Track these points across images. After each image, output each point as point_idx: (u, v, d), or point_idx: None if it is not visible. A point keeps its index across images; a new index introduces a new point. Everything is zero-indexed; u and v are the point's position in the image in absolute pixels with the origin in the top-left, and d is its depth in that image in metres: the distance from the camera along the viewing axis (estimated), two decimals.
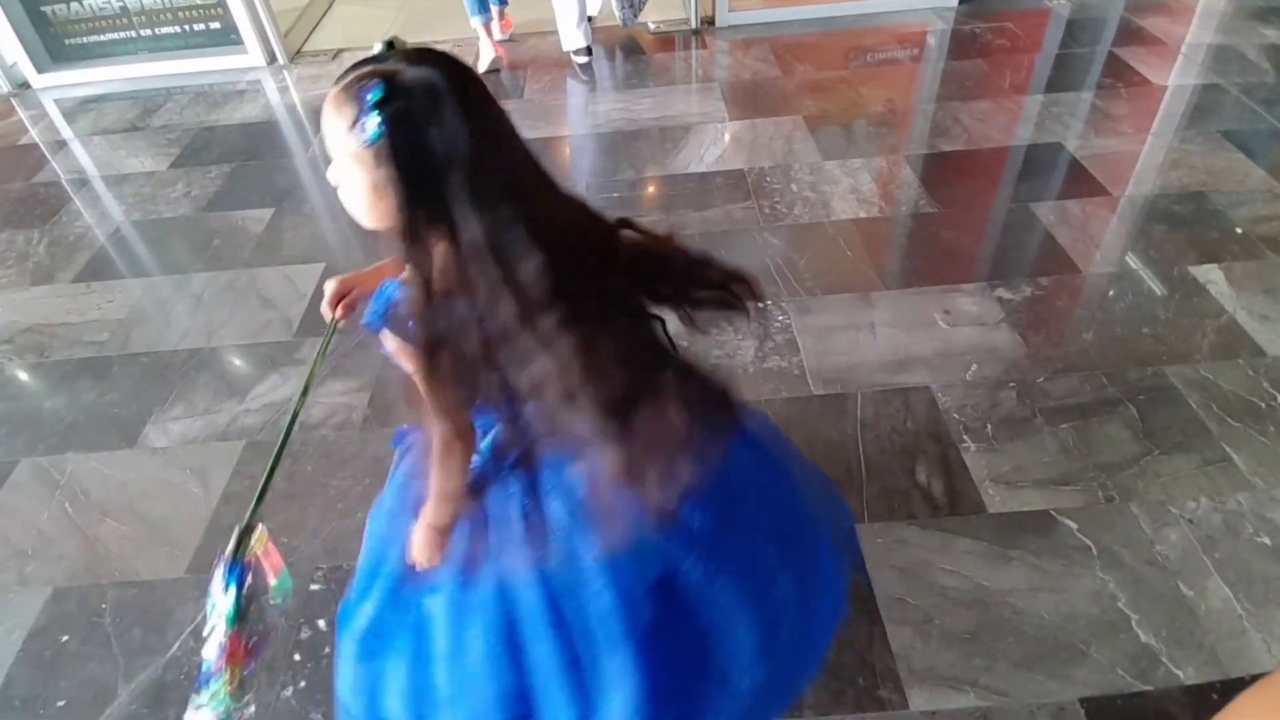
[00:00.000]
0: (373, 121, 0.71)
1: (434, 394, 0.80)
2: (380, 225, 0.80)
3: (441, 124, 0.72)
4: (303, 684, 1.35)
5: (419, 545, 0.93)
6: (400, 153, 0.73)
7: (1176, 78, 3.01)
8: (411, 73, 0.73)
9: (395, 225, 0.76)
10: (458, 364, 0.78)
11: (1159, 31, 3.34)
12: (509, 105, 3.20)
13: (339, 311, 1.07)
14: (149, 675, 1.38)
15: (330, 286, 1.07)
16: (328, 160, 0.80)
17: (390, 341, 0.82)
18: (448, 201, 0.74)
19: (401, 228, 0.76)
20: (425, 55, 0.75)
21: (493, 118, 0.77)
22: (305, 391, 1.09)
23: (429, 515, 0.91)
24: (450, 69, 0.74)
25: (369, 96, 0.71)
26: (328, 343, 1.10)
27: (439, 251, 0.77)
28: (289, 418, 1.04)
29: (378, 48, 0.78)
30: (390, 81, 0.72)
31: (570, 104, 3.29)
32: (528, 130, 2.94)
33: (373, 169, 0.75)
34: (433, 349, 0.78)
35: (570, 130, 3.10)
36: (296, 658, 1.38)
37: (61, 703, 1.35)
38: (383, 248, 0.81)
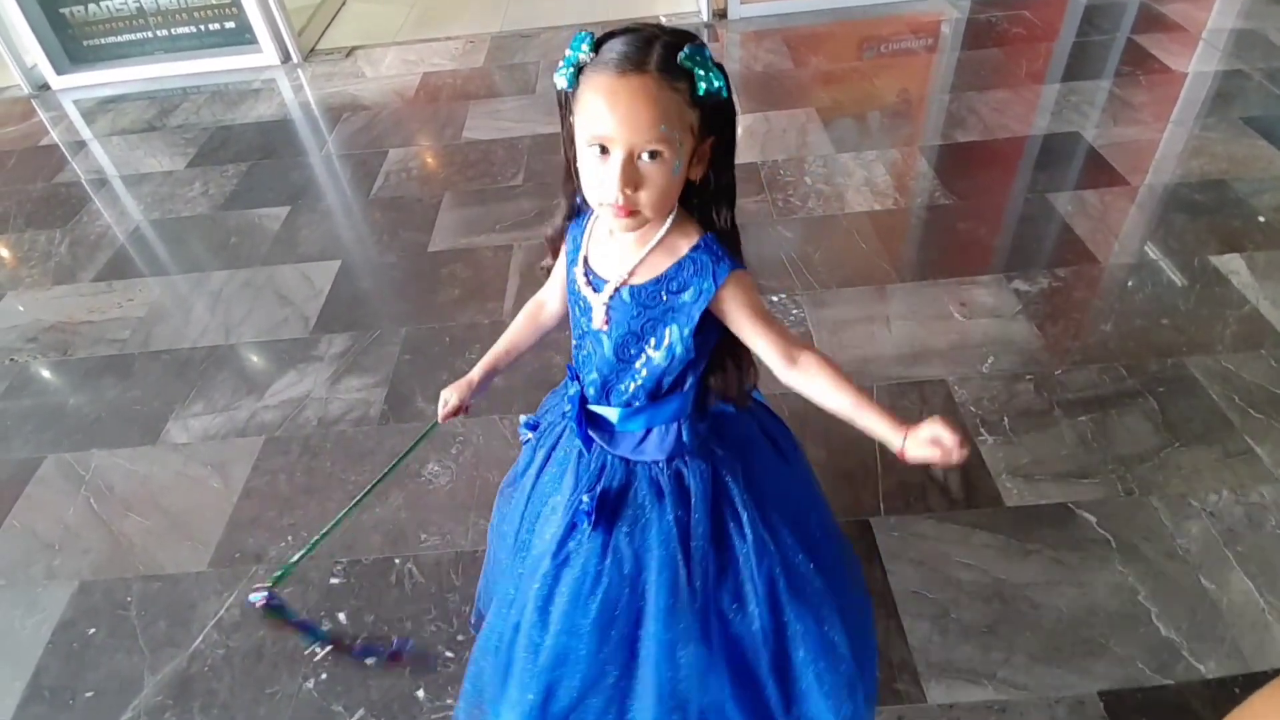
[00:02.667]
0: (716, 75, 0.73)
1: (774, 321, 0.86)
2: (671, 204, 0.81)
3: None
4: (324, 676, 1.37)
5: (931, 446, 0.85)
6: (728, 106, 0.77)
7: (1198, 64, 2.96)
8: (673, 34, 0.75)
9: (711, 181, 0.81)
10: None
11: (1180, 17, 3.29)
12: (522, 101, 3.20)
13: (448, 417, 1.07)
14: (174, 667, 1.40)
15: (452, 401, 1.05)
16: (639, 152, 0.74)
17: (737, 281, 0.83)
18: (732, 154, 0.81)
19: (723, 180, 0.82)
20: (635, 29, 0.76)
21: None
22: (382, 478, 1.26)
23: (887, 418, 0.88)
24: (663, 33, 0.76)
25: (702, 55, 0.73)
26: (422, 440, 1.20)
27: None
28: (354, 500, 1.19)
29: (585, 44, 0.77)
30: (693, 40, 0.74)
31: None
32: (541, 124, 2.98)
33: (697, 131, 0.76)
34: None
35: None
36: (317, 651, 1.40)
37: (89, 694, 1.38)
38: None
